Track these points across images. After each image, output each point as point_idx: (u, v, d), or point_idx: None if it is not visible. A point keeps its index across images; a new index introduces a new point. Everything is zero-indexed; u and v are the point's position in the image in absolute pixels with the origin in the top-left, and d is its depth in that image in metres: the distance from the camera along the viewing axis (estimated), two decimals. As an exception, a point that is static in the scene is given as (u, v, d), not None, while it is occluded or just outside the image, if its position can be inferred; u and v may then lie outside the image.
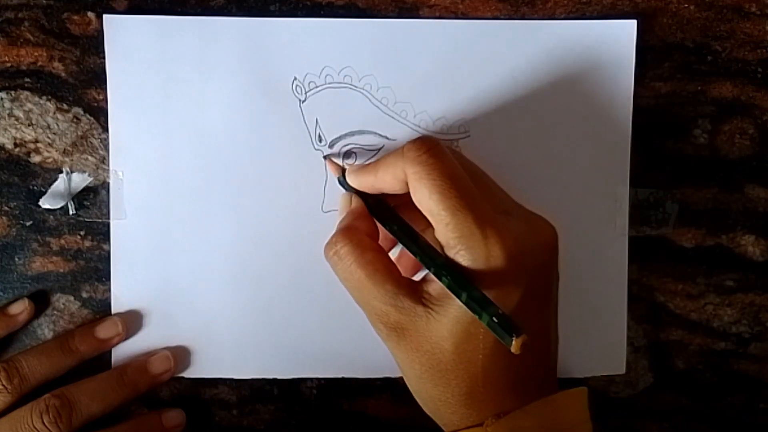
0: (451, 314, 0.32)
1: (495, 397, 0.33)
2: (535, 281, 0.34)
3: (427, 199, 0.32)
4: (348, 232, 0.34)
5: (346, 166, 0.39)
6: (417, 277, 0.37)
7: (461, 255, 0.32)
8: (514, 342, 0.29)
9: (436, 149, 0.33)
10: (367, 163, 0.37)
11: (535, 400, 0.34)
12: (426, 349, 0.33)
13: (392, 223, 0.35)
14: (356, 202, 0.37)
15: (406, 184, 0.34)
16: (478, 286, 0.31)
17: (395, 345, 0.34)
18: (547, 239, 0.36)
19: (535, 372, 0.35)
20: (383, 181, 0.35)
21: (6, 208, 0.41)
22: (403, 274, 0.34)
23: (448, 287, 0.31)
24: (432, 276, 0.33)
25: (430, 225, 0.33)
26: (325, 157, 0.40)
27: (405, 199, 0.35)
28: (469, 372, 0.33)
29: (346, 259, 0.33)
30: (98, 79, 0.40)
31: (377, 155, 0.41)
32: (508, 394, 0.34)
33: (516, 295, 0.33)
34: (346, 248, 0.33)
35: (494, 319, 0.29)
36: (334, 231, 0.35)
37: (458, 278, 0.31)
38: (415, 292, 0.33)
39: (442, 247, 0.33)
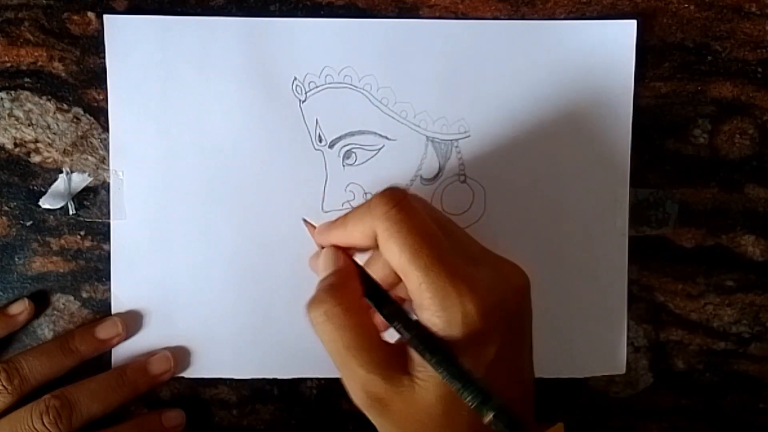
0: (438, 380, 0.31)
1: None
2: (510, 329, 0.33)
3: (398, 258, 0.31)
4: (338, 291, 0.32)
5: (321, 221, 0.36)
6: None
7: (437, 317, 0.31)
8: None
9: (404, 203, 0.31)
10: (335, 218, 0.35)
11: None
12: (413, 418, 0.32)
13: (380, 298, 0.33)
14: (345, 259, 0.34)
15: (376, 240, 0.32)
16: (459, 355, 0.30)
17: (378, 414, 0.32)
18: (518, 284, 0.34)
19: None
20: (353, 236, 0.33)
21: (6, 208, 0.41)
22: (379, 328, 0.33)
23: (445, 380, 0.31)
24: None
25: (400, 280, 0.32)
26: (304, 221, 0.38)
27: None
28: (456, 430, 0.32)
29: (335, 320, 0.31)
30: (98, 79, 0.40)
31: (377, 155, 0.41)
32: None
33: (492, 348, 0.32)
34: (336, 309, 0.31)
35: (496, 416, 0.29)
36: (317, 287, 0.33)
37: (453, 370, 0.30)
38: (400, 359, 0.32)
39: (414, 305, 0.32)
